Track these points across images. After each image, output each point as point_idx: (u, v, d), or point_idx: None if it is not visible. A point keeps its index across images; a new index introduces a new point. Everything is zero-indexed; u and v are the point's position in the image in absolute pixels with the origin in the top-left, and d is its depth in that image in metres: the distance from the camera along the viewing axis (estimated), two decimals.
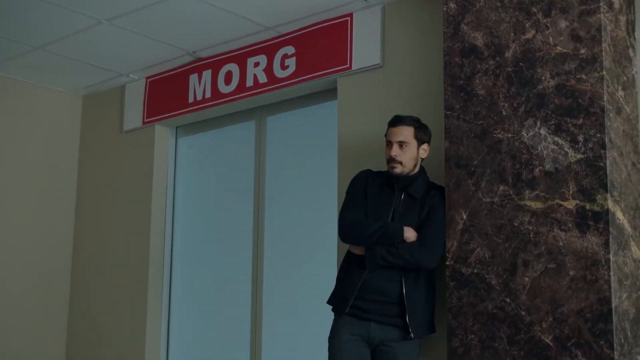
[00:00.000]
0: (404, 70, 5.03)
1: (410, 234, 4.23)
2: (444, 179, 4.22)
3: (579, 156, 3.75)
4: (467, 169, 4.10)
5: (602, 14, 3.81)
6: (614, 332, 3.56)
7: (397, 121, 4.42)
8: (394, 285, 4.24)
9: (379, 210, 4.39)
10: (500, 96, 4.04)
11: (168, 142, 6.66)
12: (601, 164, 3.69)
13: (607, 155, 3.69)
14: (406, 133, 4.36)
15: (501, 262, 3.91)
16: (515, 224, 3.89)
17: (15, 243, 6.63)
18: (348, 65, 5.26)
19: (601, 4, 3.82)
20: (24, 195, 6.71)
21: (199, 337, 6.33)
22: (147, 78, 6.61)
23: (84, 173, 7.08)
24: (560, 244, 3.75)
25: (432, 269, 4.28)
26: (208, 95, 6.11)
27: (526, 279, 3.82)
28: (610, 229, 3.64)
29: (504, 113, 4.01)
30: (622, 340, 3.62)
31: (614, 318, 3.58)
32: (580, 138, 3.76)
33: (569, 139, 3.79)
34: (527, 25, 4.01)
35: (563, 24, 3.90)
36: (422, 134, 4.40)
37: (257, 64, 5.80)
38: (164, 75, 6.48)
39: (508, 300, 3.86)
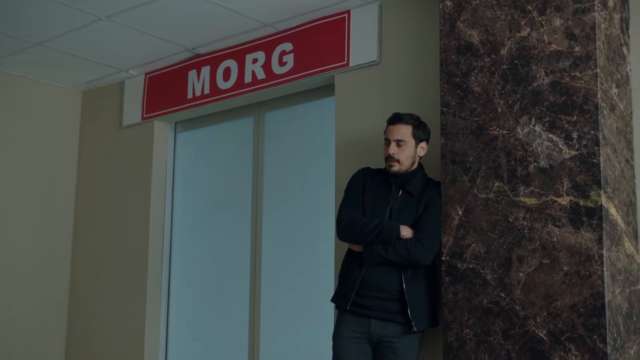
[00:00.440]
0: (401, 67, 5.06)
1: (406, 232, 4.26)
2: (440, 175, 4.25)
3: (573, 153, 3.78)
4: (463, 165, 4.13)
5: (596, 12, 3.83)
6: (607, 327, 3.59)
7: (395, 119, 4.45)
8: (394, 281, 4.27)
9: (376, 208, 4.43)
10: (496, 93, 4.07)
11: (167, 138, 6.69)
12: (595, 160, 3.72)
13: (601, 152, 3.72)
14: (404, 131, 4.40)
15: (496, 258, 3.94)
16: (510, 220, 3.92)
17: (15, 238, 6.66)
18: (345, 62, 5.29)
19: (595, 2, 3.84)
20: (23, 190, 6.74)
21: (198, 331, 6.36)
22: (146, 74, 6.64)
23: (84, 168, 7.10)
24: (555, 239, 3.78)
25: (429, 264, 4.30)
26: (207, 91, 6.14)
27: (521, 274, 3.85)
28: (604, 224, 3.67)
29: (499, 110, 4.04)
30: (615, 335, 3.65)
31: (607, 313, 3.60)
32: (574, 135, 3.79)
33: (563, 136, 3.82)
34: (522, 23, 4.03)
35: (558, 22, 3.93)
36: (421, 132, 4.43)
37: (255, 61, 5.83)
38: (163, 71, 6.51)
39: (503, 295, 3.89)
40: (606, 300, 3.62)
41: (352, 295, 4.35)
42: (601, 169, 3.71)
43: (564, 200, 3.78)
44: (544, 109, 3.89)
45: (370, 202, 4.47)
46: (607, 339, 3.58)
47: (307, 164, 5.81)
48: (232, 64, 5.98)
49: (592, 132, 3.75)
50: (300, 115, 5.91)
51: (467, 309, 4.01)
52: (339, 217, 4.50)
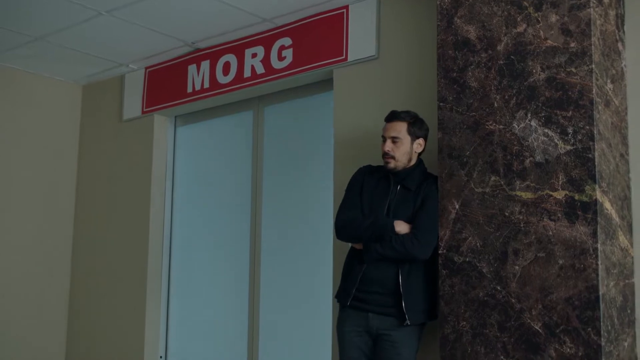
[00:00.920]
0: (399, 62, 5.08)
1: (401, 227, 4.29)
2: (437, 169, 4.28)
3: (569, 148, 3.81)
4: (460, 159, 4.16)
5: (591, 9, 3.86)
6: (601, 319, 3.62)
7: (391, 117, 4.49)
8: (392, 276, 4.31)
9: (374, 204, 4.47)
10: (492, 88, 4.10)
11: (167, 131, 6.73)
12: (590, 155, 3.75)
13: (596, 146, 3.75)
14: (399, 128, 4.44)
15: (492, 251, 3.98)
16: (506, 214, 3.96)
17: (16, 231, 6.69)
18: (344, 57, 5.32)
19: None
20: (24, 184, 6.77)
21: (198, 324, 6.39)
22: (146, 68, 6.67)
23: (84, 161, 7.14)
24: (550, 233, 3.81)
25: (429, 259, 4.31)
26: (206, 85, 6.17)
27: (516, 267, 3.89)
28: (599, 218, 3.71)
29: (495, 105, 4.07)
30: (609, 327, 3.69)
31: (601, 305, 3.64)
32: (570, 130, 3.82)
33: (558, 131, 3.85)
34: (518, 19, 4.06)
35: (553, 18, 3.96)
36: (417, 129, 4.46)
37: (254, 55, 5.86)
38: (163, 65, 6.54)
39: (499, 288, 3.93)
40: (600, 293, 3.65)
41: (353, 290, 4.40)
42: (596, 163, 3.74)
43: (560, 195, 3.81)
44: (540, 104, 3.92)
45: (369, 198, 4.51)
46: (602, 332, 3.62)
47: (306, 157, 5.84)
48: (231, 58, 6.02)
49: (587, 127, 3.78)
50: (299, 110, 5.95)
51: (464, 302, 4.05)
52: (336, 219, 4.55)
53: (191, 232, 6.57)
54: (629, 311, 3.93)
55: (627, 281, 3.94)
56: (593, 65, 3.82)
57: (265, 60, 5.79)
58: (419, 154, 4.53)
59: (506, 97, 4.04)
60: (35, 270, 6.79)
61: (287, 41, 5.68)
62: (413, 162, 4.49)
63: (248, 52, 5.91)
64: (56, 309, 6.94)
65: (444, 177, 4.22)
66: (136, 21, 5.71)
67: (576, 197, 3.77)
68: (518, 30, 4.06)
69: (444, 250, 4.16)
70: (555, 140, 3.86)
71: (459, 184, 4.15)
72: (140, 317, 6.39)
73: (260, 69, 5.81)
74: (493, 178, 4.03)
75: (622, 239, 3.93)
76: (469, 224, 4.08)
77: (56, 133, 7.06)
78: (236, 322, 6.08)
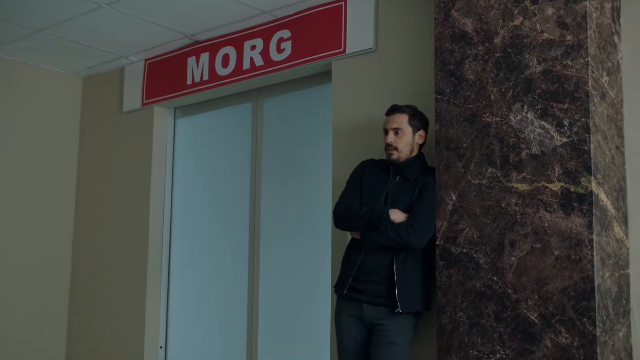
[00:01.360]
0: (397, 54, 5.10)
1: (397, 215, 4.33)
2: (435, 161, 4.31)
3: (564, 140, 3.84)
4: (457, 151, 4.19)
5: (587, 2, 3.87)
6: (596, 310, 3.66)
7: (392, 110, 4.56)
8: (387, 265, 4.35)
9: (373, 194, 4.52)
10: (489, 81, 4.12)
11: (167, 123, 6.75)
12: (585, 147, 3.77)
13: (591, 138, 3.78)
14: (400, 120, 4.50)
15: (489, 242, 4.01)
16: (503, 205, 3.98)
17: (16, 223, 6.72)
18: (342, 49, 5.34)
19: None
20: (24, 175, 6.80)
21: (198, 317, 6.42)
22: (146, 60, 6.70)
23: (84, 153, 7.16)
24: (546, 224, 3.84)
25: (424, 249, 4.35)
26: (206, 77, 6.20)
27: (513, 258, 3.92)
28: (594, 210, 3.73)
29: (492, 97, 4.09)
30: (604, 318, 3.72)
31: (597, 296, 3.67)
32: (566, 122, 3.84)
33: (554, 123, 3.88)
34: (515, 12, 4.09)
35: (550, 11, 3.98)
36: (417, 120, 4.52)
37: (253, 47, 5.88)
38: (162, 57, 6.56)
39: (495, 278, 3.96)
40: (596, 284, 3.68)
41: (349, 280, 4.45)
42: (592, 155, 3.77)
43: (555, 186, 3.84)
44: (536, 97, 3.95)
45: (368, 188, 4.56)
46: (597, 322, 3.65)
47: (305, 149, 5.87)
48: (230, 50, 6.04)
49: (583, 119, 3.80)
50: (298, 102, 5.97)
51: (461, 293, 4.08)
52: (335, 207, 4.61)
53: (191, 223, 6.60)
54: (623, 302, 3.97)
55: (622, 272, 3.97)
56: (589, 58, 3.84)
57: (264, 53, 5.81)
58: (421, 145, 4.57)
59: (503, 89, 4.07)
60: (36, 261, 6.82)
61: (285, 33, 5.70)
62: (415, 153, 4.53)
63: (247, 45, 5.93)
64: (57, 303, 6.97)
65: (442, 169, 4.24)
66: (136, 14, 5.73)
67: (572, 189, 3.79)
68: (515, 23, 4.08)
69: (441, 242, 4.19)
70: (552, 133, 3.88)
71: (456, 176, 4.18)
72: (141, 307, 6.42)
73: (259, 61, 5.83)
74: (490, 170, 4.05)
75: (618, 230, 3.96)
76: (466, 215, 4.11)
77: (56, 125, 7.08)
78: (236, 312, 6.11)
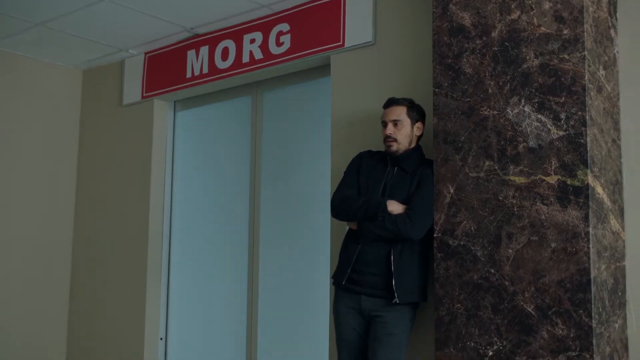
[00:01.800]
0: (395, 48, 5.12)
1: (394, 207, 4.36)
2: (433, 154, 4.33)
3: (561, 133, 3.86)
4: (455, 144, 4.21)
5: None
6: (593, 302, 3.68)
7: (390, 102, 4.58)
8: (384, 257, 4.38)
9: (370, 185, 4.55)
10: (487, 74, 4.14)
11: (167, 116, 6.76)
12: (582, 140, 3.80)
13: (588, 132, 3.80)
14: (399, 112, 4.52)
15: (486, 235, 4.03)
16: (500, 198, 4.01)
17: (16, 215, 6.74)
18: (341, 43, 5.35)
19: None
20: (24, 168, 6.82)
21: (198, 309, 6.45)
22: (146, 53, 6.71)
23: (84, 146, 7.18)
24: (543, 217, 3.86)
25: (421, 240, 4.38)
26: (205, 70, 6.21)
27: (510, 250, 3.94)
28: (590, 203, 3.76)
29: (490, 91, 4.11)
30: (600, 309, 3.75)
31: (593, 288, 3.70)
32: (562, 116, 3.87)
33: (551, 117, 3.90)
34: (512, 6, 4.10)
35: (547, 5, 4.00)
36: (415, 112, 4.56)
37: (252, 41, 5.90)
38: (162, 50, 6.58)
39: (492, 270, 3.99)
40: (592, 276, 3.71)
41: (347, 270, 4.48)
42: (588, 148, 3.79)
43: (552, 179, 3.86)
44: (533, 90, 3.97)
45: (365, 179, 4.59)
46: (593, 314, 3.68)
47: (305, 142, 5.89)
48: (230, 44, 6.06)
49: (580, 113, 3.82)
50: (297, 95, 5.99)
51: (458, 285, 4.10)
52: (332, 197, 4.64)
53: (191, 216, 6.62)
54: (619, 293, 4.00)
55: (618, 264, 4.00)
56: (585, 52, 3.86)
57: (264, 46, 5.82)
58: (418, 138, 4.60)
59: (500, 83, 4.09)
60: (36, 253, 6.84)
61: (285, 27, 5.71)
62: (413, 145, 4.57)
63: (246, 38, 5.94)
64: (57, 296, 7.00)
65: (439, 162, 4.26)
66: (136, 7, 5.75)
67: (568, 182, 3.82)
68: (512, 17, 4.10)
69: (439, 234, 4.21)
70: (548, 126, 3.90)
71: (453, 169, 4.20)
72: (141, 299, 6.45)
73: (258, 55, 5.85)
74: (487, 163, 4.08)
75: (614, 222, 3.99)
76: (464, 208, 4.13)
77: (56, 118, 7.10)
78: (235, 305, 6.14)
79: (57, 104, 7.12)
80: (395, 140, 4.50)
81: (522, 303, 3.88)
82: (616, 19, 4.23)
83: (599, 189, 3.86)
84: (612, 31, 4.17)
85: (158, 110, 6.68)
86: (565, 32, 3.93)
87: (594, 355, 3.66)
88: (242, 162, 6.24)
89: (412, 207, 4.35)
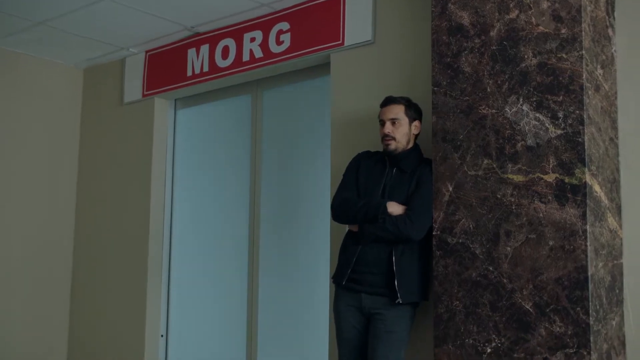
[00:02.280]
0: (395, 47, 5.13)
1: (394, 208, 4.37)
2: (432, 152, 4.35)
3: (559, 132, 3.88)
4: (453, 143, 4.22)
5: None
6: (590, 299, 3.70)
7: (387, 101, 4.59)
8: (385, 257, 4.40)
9: (369, 186, 4.56)
10: (485, 73, 4.15)
11: (167, 114, 6.78)
12: (580, 139, 3.82)
13: (586, 130, 3.81)
14: (397, 110, 4.54)
15: (485, 233, 4.05)
16: (498, 196, 4.02)
17: (16, 215, 6.75)
18: (340, 42, 5.37)
19: None
20: (25, 166, 6.83)
21: (198, 305, 6.47)
22: (146, 52, 6.73)
23: (85, 144, 7.19)
24: (541, 215, 3.88)
25: (421, 240, 4.40)
26: (206, 69, 6.23)
27: (508, 248, 3.96)
28: (588, 201, 3.78)
29: (488, 90, 4.13)
30: (598, 307, 3.77)
31: (590, 286, 3.72)
32: (560, 114, 3.88)
33: (549, 115, 3.91)
34: (511, 5, 4.12)
35: (545, 4, 4.01)
36: (413, 111, 4.57)
37: (253, 39, 5.91)
38: (163, 49, 6.59)
39: (491, 268, 4.00)
40: (589, 273, 3.73)
41: (347, 271, 4.49)
42: (586, 147, 3.80)
43: (550, 178, 3.88)
44: (532, 89, 3.98)
45: (365, 181, 4.60)
46: (590, 311, 3.70)
47: (304, 141, 5.90)
48: (230, 42, 6.07)
49: (577, 111, 3.84)
50: (297, 93, 6.00)
51: (457, 282, 4.12)
52: (332, 200, 4.65)
53: (191, 214, 6.63)
54: (617, 291, 4.01)
55: (615, 262, 4.02)
56: (583, 51, 3.88)
57: (264, 45, 5.84)
58: (416, 136, 4.61)
59: (499, 82, 4.10)
60: (38, 250, 6.86)
61: (285, 26, 5.73)
62: (411, 144, 4.58)
63: (247, 37, 5.96)
64: (58, 293, 7.02)
65: (438, 160, 4.28)
66: (136, 6, 5.76)
67: (566, 180, 3.83)
68: (510, 16, 4.12)
69: (438, 232, 4.23)
70: (546, 125, 3.92)
71: (452, 167, 4.22)
72: (141, 299, 6.46)
73: (258, 53, 5.87)
74: (486, 161, 4.09)
75: (611, 220, 4.01)
76: (462, 206, 4.15)
77: (57, 116, 7.11)
78: (236, 303, 6.15)
79: (58, 102, 7.14)
80: (393, 138, 4.51)
81: (520, 300, 3.90)
82: (614, 18, 4.25)
83: (597, 187, 3.88)
84: (609, 30, 4.19)
85: (159, 108, 6.70)
86: (563, 31, 3.95)
87: (592, 352, 3.68)
88: (242, 160, 6.25)
89: (412, 208, 4.37)
